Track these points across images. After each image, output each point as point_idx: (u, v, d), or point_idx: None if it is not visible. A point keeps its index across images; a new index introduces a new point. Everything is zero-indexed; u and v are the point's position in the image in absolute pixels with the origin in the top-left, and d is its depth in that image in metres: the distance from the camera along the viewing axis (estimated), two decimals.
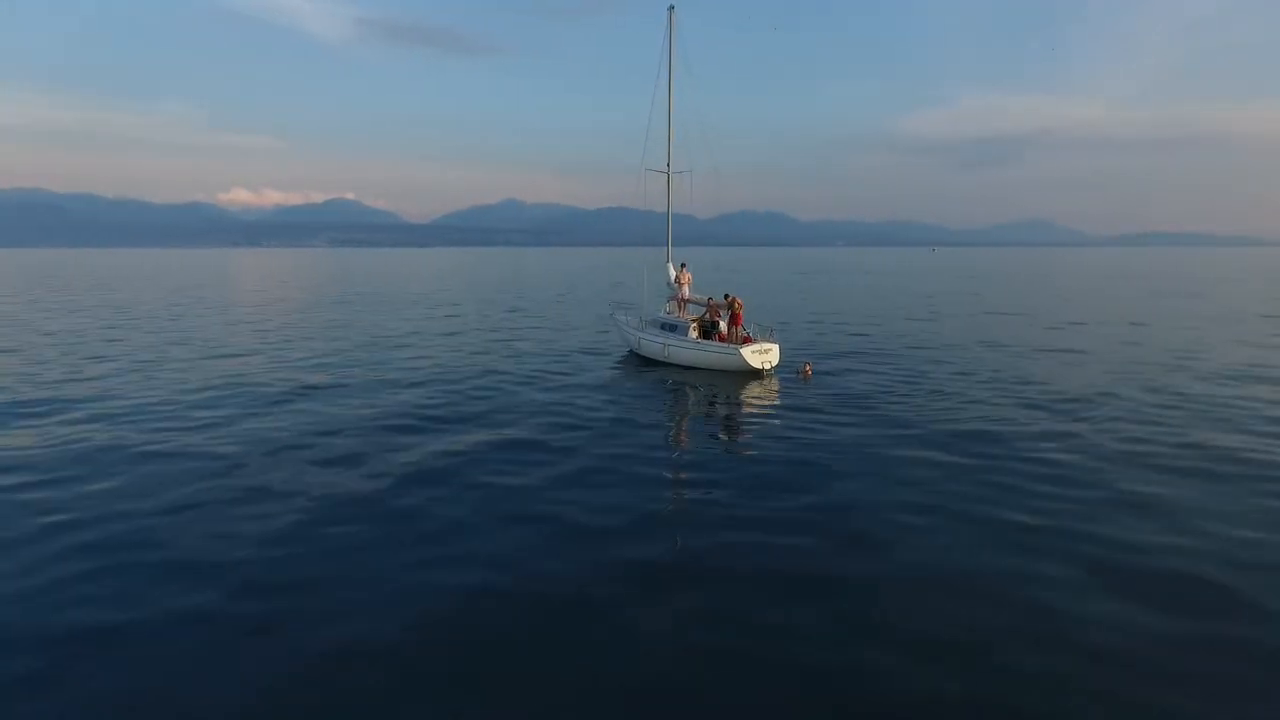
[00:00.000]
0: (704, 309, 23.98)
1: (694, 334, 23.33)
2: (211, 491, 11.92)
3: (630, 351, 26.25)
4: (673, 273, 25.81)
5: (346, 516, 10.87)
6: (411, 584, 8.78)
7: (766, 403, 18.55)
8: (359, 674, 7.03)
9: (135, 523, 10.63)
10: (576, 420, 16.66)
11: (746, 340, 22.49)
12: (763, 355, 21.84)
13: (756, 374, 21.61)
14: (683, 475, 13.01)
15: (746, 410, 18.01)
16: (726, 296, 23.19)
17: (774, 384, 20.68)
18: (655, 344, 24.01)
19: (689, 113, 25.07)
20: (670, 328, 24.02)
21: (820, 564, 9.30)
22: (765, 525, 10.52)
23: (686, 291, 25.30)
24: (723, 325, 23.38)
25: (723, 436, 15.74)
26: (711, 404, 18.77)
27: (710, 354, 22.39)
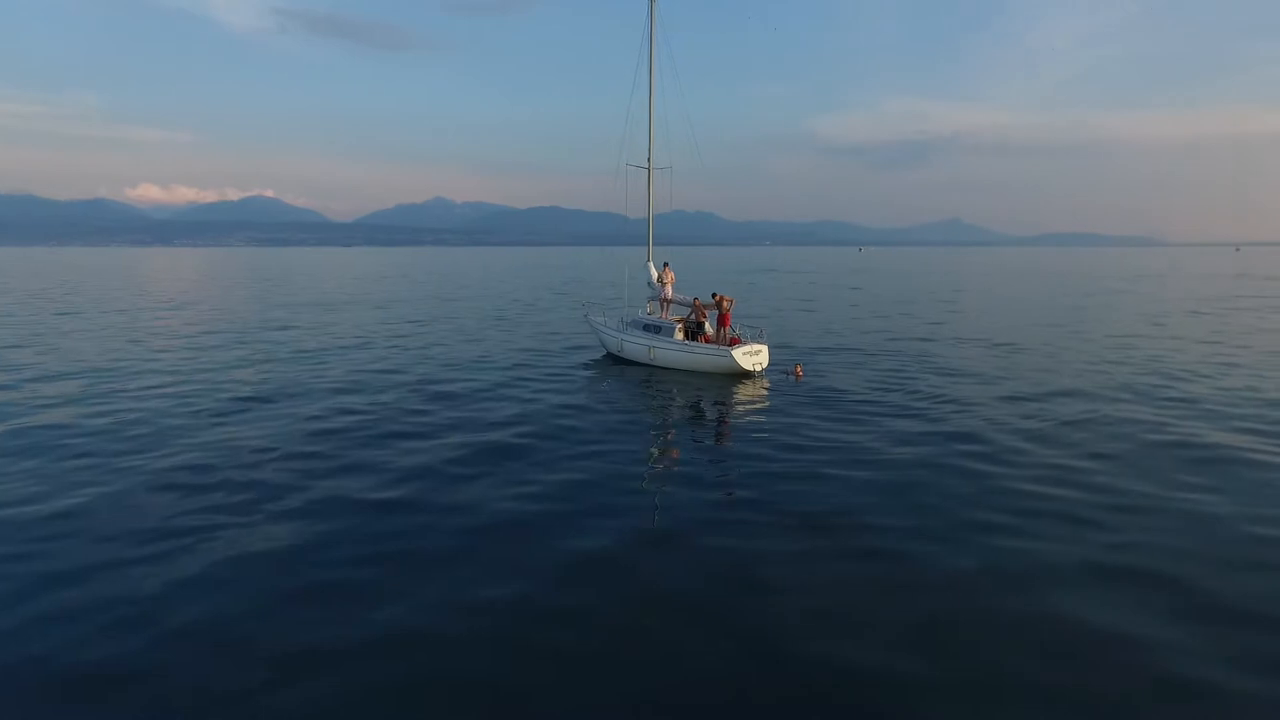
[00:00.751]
0: (689, 309, 23.30)
1: (679, 335, 22.69)
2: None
3: (608, 354, 25.41)
4: (654, 272, 25.02)
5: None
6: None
7: (767, 405, 18.01)
8: None
9: None
10: (581, 429, 15.81)
11: (734, 341, 21.94)
12: (753, 357, 21.35)
13: (746, 375, 21.12)
14: (725, 496, 12.31)
15: (751, 413, 17.39)
16: (714, 295, 22.54)
17: (766, 386, 20.22)
18: (639, 346, 23.21)
19: (665, 107, 24.24)
20: (654, 329, 23.26)
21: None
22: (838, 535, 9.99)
23: (670, 291, 24.54)
24: (709, 326, 22.84)
25: (750, 450, 14.78)
26: (713, 407, 18.12)
27: (699, 356, 21.74)
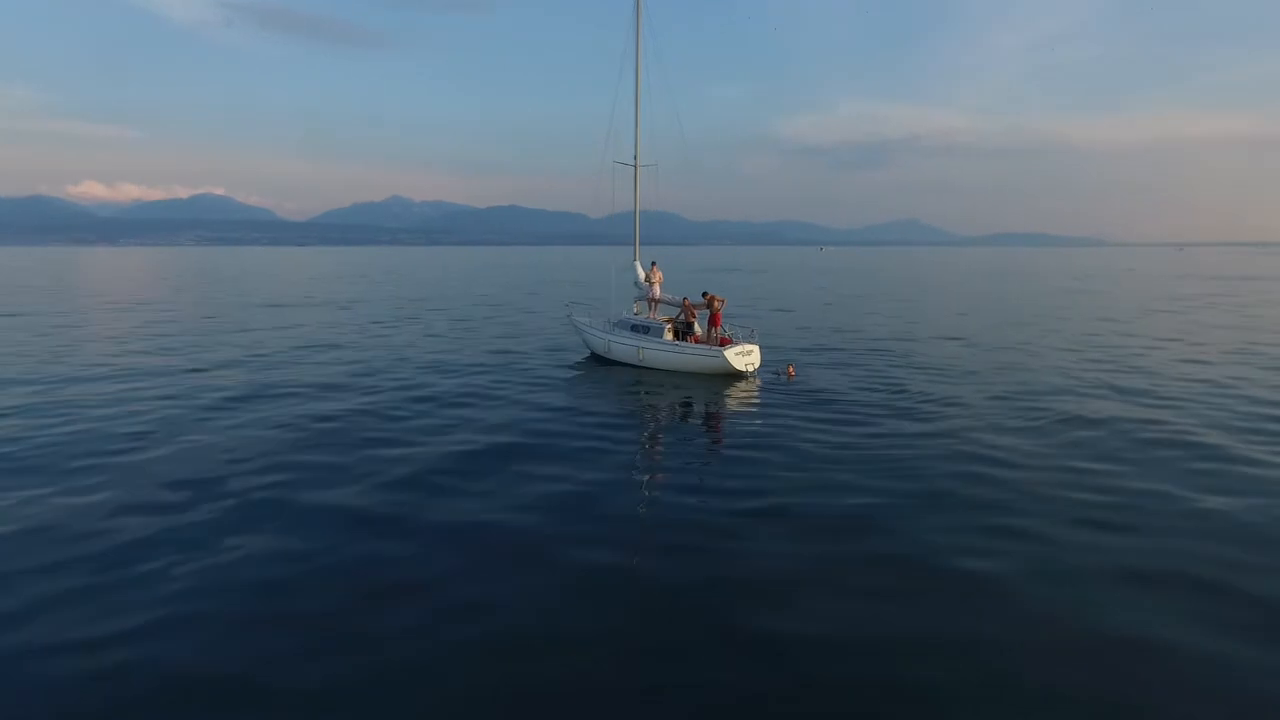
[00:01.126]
0: (678, 309, 23.01)
1: (669, 335, 22.40)
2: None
3: (592, 355, 25.02)
4: (641, 272, 24.65)
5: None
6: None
7: (765, 406, 17.80)
8: None
9: None
10: (578, 432, 15.43)
11: (724, 341, 21.74)
12: (746, 357, 21.17)
13: (738, 376, 20.93)
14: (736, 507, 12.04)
15: (748, 415, 17.16)
16: (705, 295, 22.28)
17: (760, 386, 20.06)
18: (628, 347, 22.85)
19: (652, 104, 23.89)
20: (643, 329, 22.92)
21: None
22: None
23: (658, 291, 24.19)
24: (698, 326, 22.60)
25: (754, 454, 14.37)
26: (709, 408, 17.87)
27: (690, 356, 21.47)
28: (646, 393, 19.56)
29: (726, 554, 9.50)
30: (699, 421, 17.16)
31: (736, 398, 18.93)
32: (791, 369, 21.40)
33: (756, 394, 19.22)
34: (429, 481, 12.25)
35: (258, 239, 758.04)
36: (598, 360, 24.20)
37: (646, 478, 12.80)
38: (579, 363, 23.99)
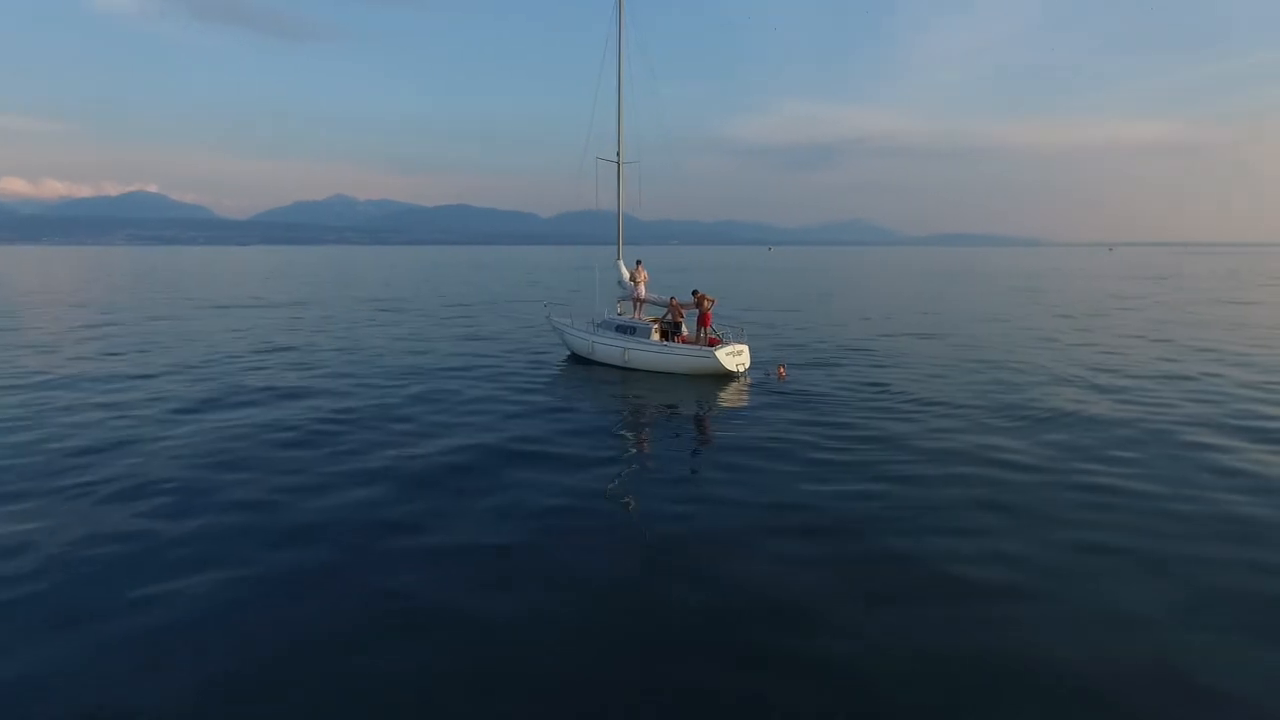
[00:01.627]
0: (665, 309, 22.54)
1: (656, 336, 21.95)
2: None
3: (572, 356, 24.42)
4: (625, 271, 24.11)
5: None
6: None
7: (759, 408, 17.45)
8: None
9: None
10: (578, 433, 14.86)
11: (713, 341, 21.39)
12: (736, 357, 20.86)
13: (729, 377, 20.61)
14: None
15: (746, 417, 16.77)
16: (695, 293, 21.87)
17: (751, 387, 19.75)
18: (613, 348, 22.31)
19: (633, 96, 23.36)
20: (629, 330, 22.41)
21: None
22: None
23: (643, 290, 23.68)
24: (685, 326, 22.21)
25: (758, 460, 14.05)
26: (705, 410, 17.42)
27: (680, 357, 21.03)
28: (635, 396, 19.03)
29: (741, 570, 9.08)
30: (695, 424, 16.61)
31: (728, 398, 18.58)
32: (782, 369, 21.15)
33: (749, 395, 18.88)
34: (405, 495, 11.47)
35: (194, 238, 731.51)
36: (578, 361, 23.61)
37: (648, 484, 12.29)
38: (561, 364, 23.34)
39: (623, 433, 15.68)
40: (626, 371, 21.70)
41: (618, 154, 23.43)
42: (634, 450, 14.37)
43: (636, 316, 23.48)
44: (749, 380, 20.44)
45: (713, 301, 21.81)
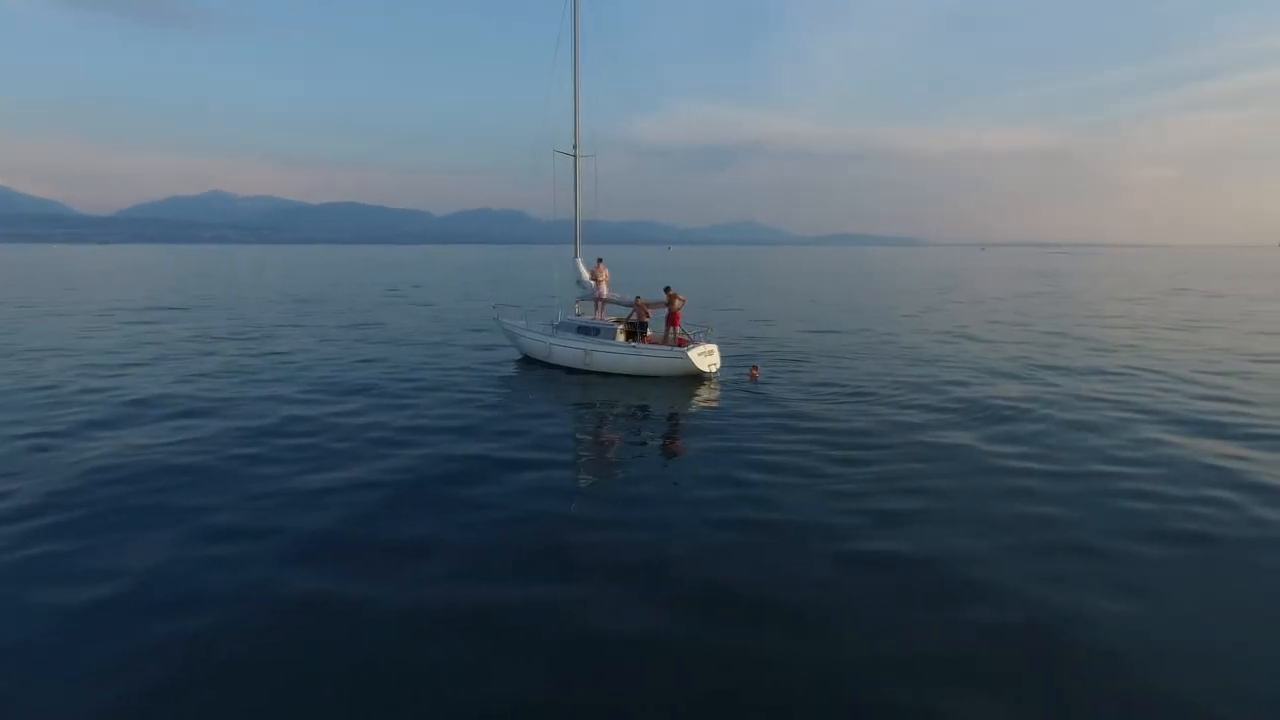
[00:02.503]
0: (630, 309, 21.53)
1: (621, 337, 20.95)
2: None
3: (525, 358, 23.07)
4: (584, 271, 22.89)
5: None
6: None
7: (740, 410, 16.77)
8: None
9: None
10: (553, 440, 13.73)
11: (681, 342, 20.61)
12: (708, 357, 20.16)
13: (701, 378, 19.88)
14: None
15: (723, 419, 16.04)
16: (667, 290, 20.92)
17: (723, 388, 19.07)
18: (573, 350, 21.13)
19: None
20: (591, 331, 21.29)
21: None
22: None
23: (605, 290, 22.56)
24: (650, 326, 21.33)
25: (741, 472, 13.48)
26: (681, 413, 16.55)
27: (649, 359, 20.10)
28: (602, 400, 17.87)
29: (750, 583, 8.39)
30: (669, 429, 15.58)
31: (702, 400, 17.76)
32: (755, 370, 20.61)
33: (721, 396, 18.13)
34: (352, 519, 10.09)
35: (50, 234, 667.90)
36: (530, 364, 22.28)
37: (635, 489, 11.40)
38: (516, 367, 21.92)
39: (584, 439, 14.65)
40: (589, 375, 20.56)
41: (574, 147, 22.21)
42: (598, 457, 13.27)
43: (598, 317, 22.39)
44: (717, 383, 19.70)
45: (683, 301, 20.99)
